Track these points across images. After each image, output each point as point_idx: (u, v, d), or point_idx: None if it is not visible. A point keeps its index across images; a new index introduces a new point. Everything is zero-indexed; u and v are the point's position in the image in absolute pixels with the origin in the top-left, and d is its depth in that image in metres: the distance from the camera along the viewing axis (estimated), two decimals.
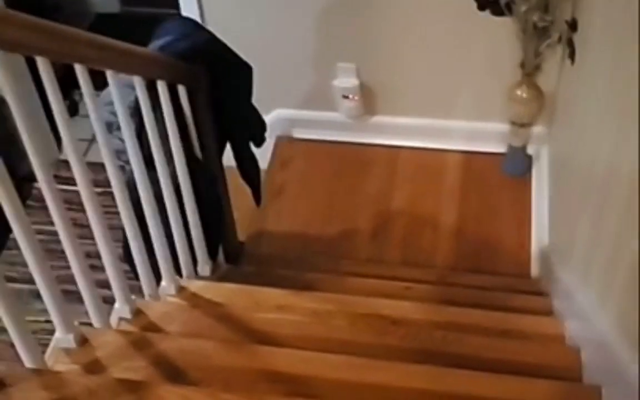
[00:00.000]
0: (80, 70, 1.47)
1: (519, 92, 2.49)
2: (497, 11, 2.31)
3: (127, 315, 1.69)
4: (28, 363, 1.36)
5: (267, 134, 2.28)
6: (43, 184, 1.37)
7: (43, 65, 1.34)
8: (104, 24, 3.96)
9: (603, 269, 1.60)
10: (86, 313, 1.59)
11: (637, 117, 1.36)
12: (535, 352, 1.69)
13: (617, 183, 1.50)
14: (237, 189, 2.29)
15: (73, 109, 3.22)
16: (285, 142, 3.00)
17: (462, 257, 2.55)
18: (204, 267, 2.09)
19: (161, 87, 1.80)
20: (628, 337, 1.36)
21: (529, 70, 2.44)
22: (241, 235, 2.53)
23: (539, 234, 2.49)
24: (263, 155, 2.51)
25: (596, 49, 1.89)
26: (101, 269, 1.65)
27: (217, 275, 2.14)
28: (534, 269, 2.46)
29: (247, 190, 2.28)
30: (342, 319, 1.85)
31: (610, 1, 1.74)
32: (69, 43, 1.42)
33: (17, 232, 1.30)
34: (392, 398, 1.45)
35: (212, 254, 2.16)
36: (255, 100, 2.15)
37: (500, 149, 2.75)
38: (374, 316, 1.87)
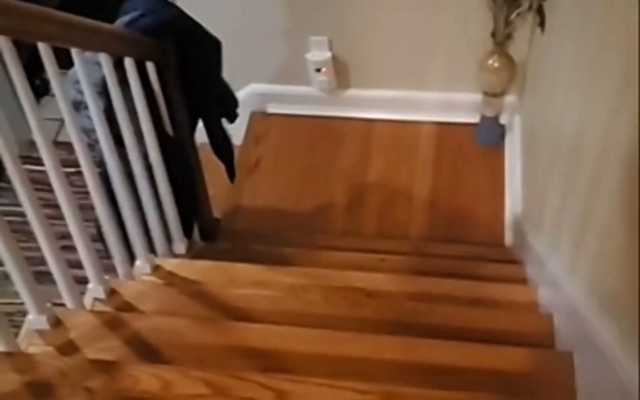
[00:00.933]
0: (43, 49, 1.45)
1: (490, 62, 2.49)
2: None
3: (101, 295, 1.68)
4: (0, 346, 1.35)
5: (241, 109, 2.27)
6: (9, 165, 1.36)
7: (5, 45, 1.32)
8: (73, 2, 3.89)
9: (572, 236, 1.62)
10: (60, 294, 1.58)
11: (603, 85, 1.37)
12: (507, 319, 1.71)
13: (584, 150, 1.51)
14: (212, 166, 2.28)
15: (44, 88, 3.18)
16: (260, 117, 2.99)
17: (436, 227, 2.57)
18: (179, 245, 2.09)
19: (129, 63, 1.78)
20: (598, 303, 1.38)
21: (500, 40, 2.44)
22: (217, 212, 2.52)
23: (513, 203, 2.51)
24: (237, 130, 2.50)
25: (565, 17, 1.90)
26: (74, 249, 1.64)
27: (193, 253, 2.14)
28: (508, 238, 2.49)
29: (222, 167, 2.27)
30: (316, 293, 1.86)
31: None
32: (31, 21, 1.40)
33: None
34: (365, 369, 1.46)
35: (187, 231, 2.15)
36: (228, 76, 2.13)
37: (473, 119, 2.76)
38: (348, 289, 1.87)
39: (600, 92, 1.41)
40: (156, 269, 1.91)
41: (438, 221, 2.59)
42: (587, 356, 1.41)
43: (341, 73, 2.81)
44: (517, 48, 2.49)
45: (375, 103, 2.86)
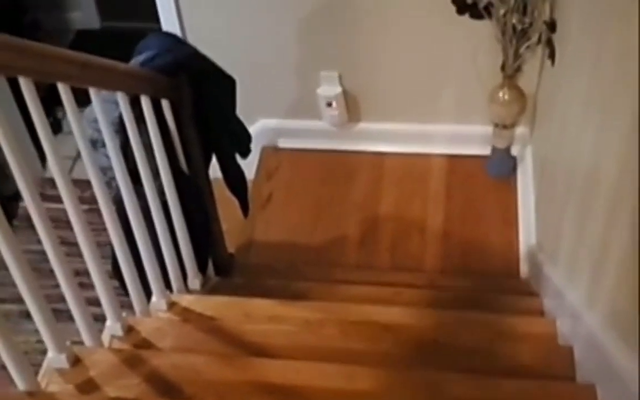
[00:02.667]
0: (62, 89, 1.46)
1: (500, 94, 2.51)
2: (476, 14, 2.32)
3: (119, 332, 1.68)
4: (21, 385, 1.35)
5: (252, 145, 2.28)
6: (29, 202, 1.36)
7: (25, 85, 1.34)
8: (84, 40, 3.95)
9: (590, 267, 1.61)
10: (77, 331, 1.58)
11: (618, 114, 1.38)
12: (527, 352, 1.70)
13: (601, 181, 1.51)
14: (225, 201, 2.29)
15: (56, 126, 3.21)
16: (271, 151, 3.01)
17: (450, 259, 2.56)
18: (194, 281, 2.09)
19: (145, 102, 1.80)
20: (619, 334, 1.37)
21: (510, 73, 2.46)
22: (230, 247, 2.52)
23: (527, 233, 2.50)
24: (249, 165, 2.51)
25: (576, 48, 1.91)
26: (91, 286, 1.64)
27: (207, 288, 2.14)
28: (523, 269, 2.48)
29: (235, 201, 2.27)
30: (333, 327, 1.85)
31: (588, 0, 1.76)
32: (51, 62, 1.42)
33: (5, 252, 1.30)
34: None
35: (201, 267, 2.15)
36: (239, 111, 2.15)
37: (484, 151, 2.77)
38: (365, 323, 1.87)
39: (614, 121, 1.41)
40: (172, 305, 1.91)
41: (452, 253, 2.58)
42: (609, 388, 1.40)
43: (352, 107, 2.83)
44: (527, 80, 2.50)
45: (386, 136, 2.87)
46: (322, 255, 2.66)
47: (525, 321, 1.89)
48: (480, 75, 2.52)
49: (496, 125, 2.61)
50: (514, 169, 2.76)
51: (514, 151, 2.75)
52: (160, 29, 2.64)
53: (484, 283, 2.39)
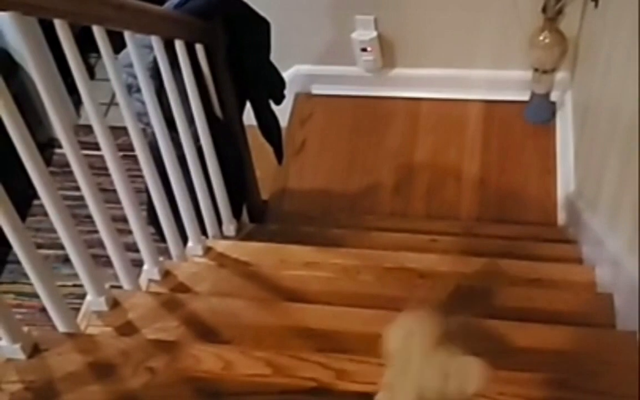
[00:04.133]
0: (98, 32, 1.45)
1: (541, 38, 2.44)
2: None
3: (156, 276, 1.69)
4: (61, 327, 1.37)
5: (286, 91, 2.25)
6: (68, 148, 1.36)
7: (61, 28, 1.33)
8: None
9: (633, 214, 1.57)
10: (115, 276, 1.60)
11: None
12: (566, 299, 1.68)
13: None
14: (259, 148, 2.28)
15: (89, 72, 3.21)
16: (305, 98, 2.98)
17: (486, 207, 2.53)
18: (229, 227, 2.09)
19: (179, 46, 1.78)
20: None
21: (551, 15, 2.39)
22: (264, 194, 2.52)
23: (565, 181, 2.46)
24: (283, 112, 2.49)
25: None
26: (127, 232, 1.65)
27: (243, 235, 2.14)
28: (561, 217, 2.44)
29: (269, 148, 2.26)
30: (369, 273, 1.85)
31: None
32: (86, 4, 1.41)
33: (45, 198, 1.30)
34: None
35: (236, 213, 2.15)
36: (273, 57, 2.12)
37: (523, 96, 2.71)
38: (401, 270, 1.86)
39: None
40: (208, 250, 1.92)
41: (488, 201, 2.55)
42: None
43: (387, 52, 2.77)
44: (569, 23, 2.43)
45: (421, 82, 2.82)
46: (356, 203, 2.65)
47: (564, 268, 1.87)
48: (521, 18, 2.45)
49: (536, 70, 2.54)
50: (553, 115, 2.70)
51: (554, 97, 2.69)
52: None
53: (521, 231, 2.36)
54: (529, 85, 2.64)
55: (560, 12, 2.39)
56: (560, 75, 2.61)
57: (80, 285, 1.47)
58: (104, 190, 1.61)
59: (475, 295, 1.68)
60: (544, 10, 2.39)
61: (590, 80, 2.22)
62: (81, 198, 1.45)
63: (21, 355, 1.27)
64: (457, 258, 1.97)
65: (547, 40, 2.44)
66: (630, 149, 1.60)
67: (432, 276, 1.83)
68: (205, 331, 1.46)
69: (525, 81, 2.63)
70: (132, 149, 1.63)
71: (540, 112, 2.70)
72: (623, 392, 1.25)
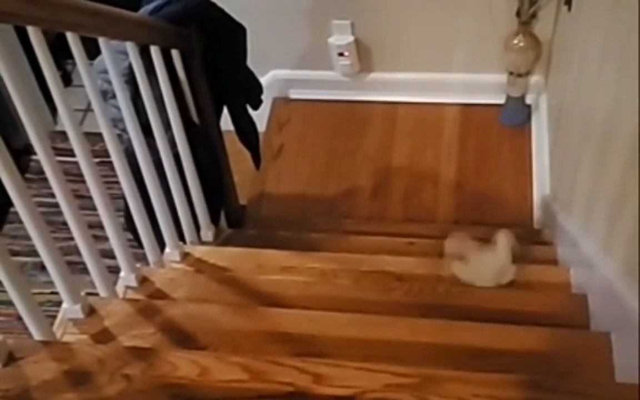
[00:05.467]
0: (72, 38, 1.45)
1: (515, 42, 2.47)
2: None
3: (133, 283, 1.69)
4: (37, 335, 1.36)
5: (263, 96, 2.26)
6: (42, 155, 1.36)
7: (35, 35, 1.32)
8: None
9: (606, 215, 1.59)
10: (91, 283, 1.59)
11: (636, 63, 1.35)
12: (541, 301, 1.70)
13: (619, 128, 1.49)
14: (237, 153, 2.28)
15: (66, 79, 3.19)
16: (282, 103, 2.98)
17: (463, 210, 2.55)
18: (207, 233, 2.09)
19: (155, 52, 1.78)
20: (635, 281, 1.36)
21: (525, 19, 2.42)
22: (242, 199, 2.52)
23: (541, 183, 2.48)
24: (260, 117, 2.50)
25: None
26: (103, 238, 1.64)
27: (220, 240, 2.14)
28: (536, 219, 2.46)
29: (246, 153, 2.26)
30: (346, 277, 1.85)
31: None
32: (60, 11, 1.40)
33: (19, 205, 1.30)
34: (398, 353, 1.45)
35: (214, 218, 2.15)
36: (250, 62, 2.12)
37: (499, 99, 2.74)
38: (378, 273, 1.87)
39: (633, 67, 1.38)
40: (185, 256, 1.92)
41: (465, 204, 2.57)
42: (624, 336, 1.40)
43: (364, 56, 2.79)
44: (543, 27, 2.46)
45: (398, 86, 2.84)
46: (334, 207, 2.65)
47: (539, 270, 1.88)
48: (495, 22, 2.47)
49: (510, 74, 2.57)
50: (528, 118, 2.73)
51: (529, 100, 2.72)
52: None
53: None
54: (505, 89, 2.67)
55: (534, 16, 2.42)
56: (535, 79, 2.64)
57: (58, 293, 1.47)
58: (81, 196, 1.61)
59: (450, 297, 1.69)
60: (518, 14, 2.41)
61: (564, 83, 2.25)
62: (58, 205, 1.45)
63: None
64: (435, 261, 1.98)
65: (521, 44, 2.46)
66: (602, 152, 1.63)
67: (410, 279, 1.84)
68: (182, 337, 1.46)
69: (500, 84, 2.66)
70: (110, 155, 1.63)
71: (516, 115, 2.72)
72: (596, 393, 1.26)
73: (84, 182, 1.54)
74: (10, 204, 1.30)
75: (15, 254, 2.46)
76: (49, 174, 1.38)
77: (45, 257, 1.38)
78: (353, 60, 2.77)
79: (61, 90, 1.42)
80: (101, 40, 1.57)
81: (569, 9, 2.14)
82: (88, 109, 2.83)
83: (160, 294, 1.68)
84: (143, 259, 1.81)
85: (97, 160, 1.60)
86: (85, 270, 1.58)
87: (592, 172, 1.73)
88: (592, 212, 1.73)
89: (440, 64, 2.74)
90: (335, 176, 2.73)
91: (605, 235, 1.60)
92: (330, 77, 2.87)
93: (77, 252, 1.54)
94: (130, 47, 1.69)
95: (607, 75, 1.62)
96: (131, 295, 1.67)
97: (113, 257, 1.67)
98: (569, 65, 2.17)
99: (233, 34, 2.01)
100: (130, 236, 1.82)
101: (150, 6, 1.86)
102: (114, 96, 1.70)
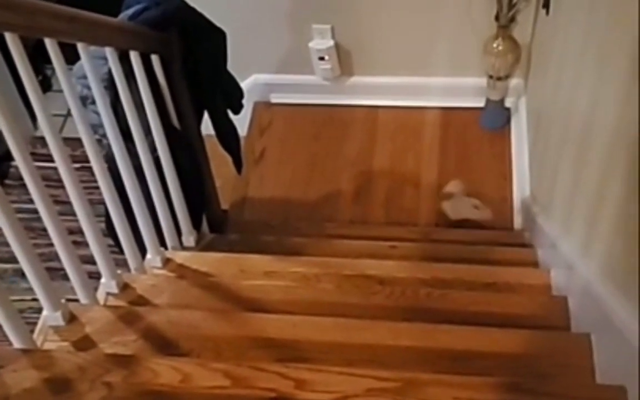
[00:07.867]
0: (50, 44, 1.44)
1: (494, 45, 2.48)
2: None
3: (114, 289, 1.68)
4: (17, 343, 1.35)
5: (244, 100, 2.25)
6: (20, 161, 1.35)
7: (12, 41, 1.31)
8: None
9: (585, 217, 1.61)
10: (72, 290, 1.58)
11: (614, 65, 1.36)
12: (522, 303, 1.70)
13: (597, 130, 1.50)
14: (218, 158, 2.28)
15: (46, 84, 3.16)
16: (263, 107, 2.98)
17: (444, 213, 2.56)
18: (189, 238, 2.08)
19: (134, 57, 1.77)
20: (614, 282, 1.37)
21: (504, 23, 2.43)
22: (224, 203, 2.52)
23: (521, 186, 2.50)
24: (242, 121, 2.49)
25: None
26: (84, 244, 1.63)
27: (202, 245, 2.13)
28: (517, 221, 2.48)
29: (228, 158, 2.26)
30: (329, 281, 1.85)
31: None
32: (37, 16, 1.39)
33: None
34: (381, 357, 1.45)
35: (195, 224, 2.14)
36: (231, 67, 2.12)
37: (479, 103, 2.75)
38: (360, 277, 1.87)
39: (611, 69, 1.40)
40: (167, 262, 1.91)
41: None
42: (604, 337, 1.41)
43: (344, 60, 2.79)
44: (522, 30, 2.48)
45: (379, 90, 2.85)
46: (316, 211, 2.66)
47: (519, 272, 1.90)
48: (474, 26, 2.49)
49: (490, 77, 2.59)
50: (508, 121, 2.75)
51: (508, 103, 2.74)
52: None
53: (478, 235, 2.39)
54: (484, 92, 2.68)
55: (512, 19, 2.44)
56: (514, 82, 2.66)
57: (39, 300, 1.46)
58: (61, 202, 1.60)
59: (432, 300, 1.69)
60: (497, 18, 2.43)
61: (543, 87, 2.26)
62: (37, 211, 1.44)
63: None
64: (416, 264, 1.99)
65: (500, 48, 2.48)
66: (581, 154, 1.64)
67: (392, 283, 1.84)
68: (163, 344, 1.45)
69: (480, 88, 2.67)
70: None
71: (495, 119, 2.74)
72: (577, 394, 1.27)
73: (64, 187, 1.53)
74: None
75: None
76: (27, 179, 1.37)
77: (24, 264, 1.37)
78: (333, 64, 2.78)
79: (40, 97, 1.40)
80: (80, 46, 1.56)
81: (547, 12, 2.16)
82: (68, 114, 2.81)
83: (141, 300, 1.67)
84: (124, 265, 1.80)
85: (78, 165, 1.59)
86: (65, 277, 1.56)
87: (571, 174, 1.75)
88: (571, 213, 1.75)
89: (421, 68, 2.75)
90: (317, 180, 2.74)
91: (584, 237, 1.61)
92: (311, 81, 2.87)
93: (57, 258, 1.53)
94: (110, 53, 1.68)
95: (585, 78, 1.63)
96: (112, 301, 1.66)
97: (94, 263, 1.66)
98: (547, 68, 2.19)
99: (213, 39, 2.01)
100: (111, 242, 1.81)
101: (130, 11, 1.85)
102: (93, 102, 1.69)
